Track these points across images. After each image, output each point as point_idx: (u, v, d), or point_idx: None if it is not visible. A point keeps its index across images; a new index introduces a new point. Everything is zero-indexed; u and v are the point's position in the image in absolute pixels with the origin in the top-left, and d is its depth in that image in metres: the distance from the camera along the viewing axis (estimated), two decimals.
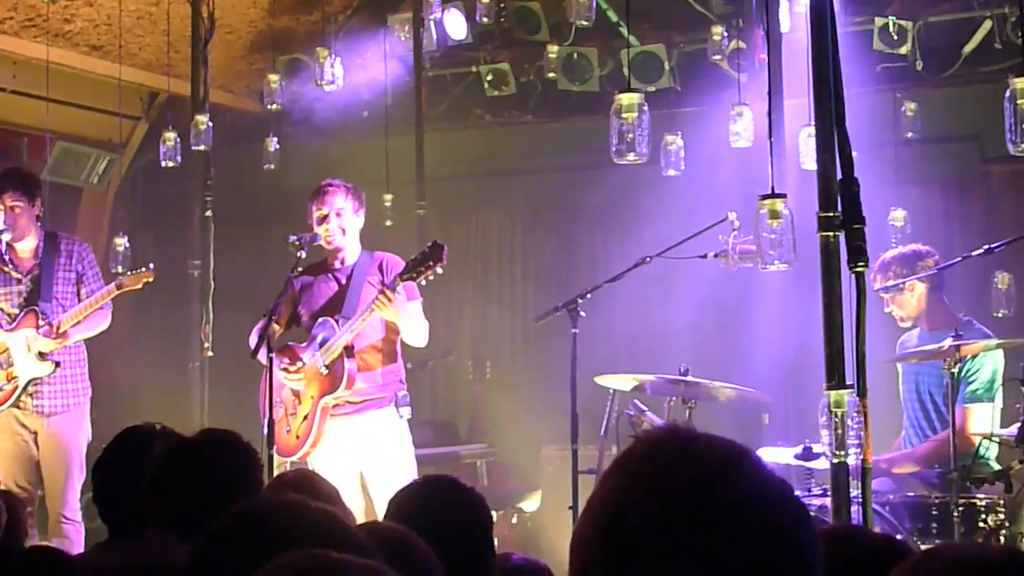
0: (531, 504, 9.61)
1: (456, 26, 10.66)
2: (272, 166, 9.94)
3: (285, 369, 6.85)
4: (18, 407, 7.43)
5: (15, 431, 7.45)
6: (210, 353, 9.04)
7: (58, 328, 7.43)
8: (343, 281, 6.98)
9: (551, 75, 10.61)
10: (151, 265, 7.62)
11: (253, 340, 6.77)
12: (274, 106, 9.43)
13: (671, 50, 10.15)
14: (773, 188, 4.67)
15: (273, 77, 9.27)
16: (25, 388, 7.43)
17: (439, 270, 6.54)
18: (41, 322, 7.44)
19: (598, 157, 9.83)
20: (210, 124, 8.81)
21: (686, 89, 10.13)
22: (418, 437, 7.29)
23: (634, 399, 6.85)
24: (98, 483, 4.00)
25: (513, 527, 9.05)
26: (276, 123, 10.79)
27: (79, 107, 11.08)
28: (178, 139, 8.80)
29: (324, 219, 6.93)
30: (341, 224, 6.93)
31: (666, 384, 6.75)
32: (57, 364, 7.46)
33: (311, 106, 11.06)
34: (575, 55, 10.52)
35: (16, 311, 7.49)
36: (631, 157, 5.13)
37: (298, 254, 6.78)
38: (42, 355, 7.44)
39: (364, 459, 6.83)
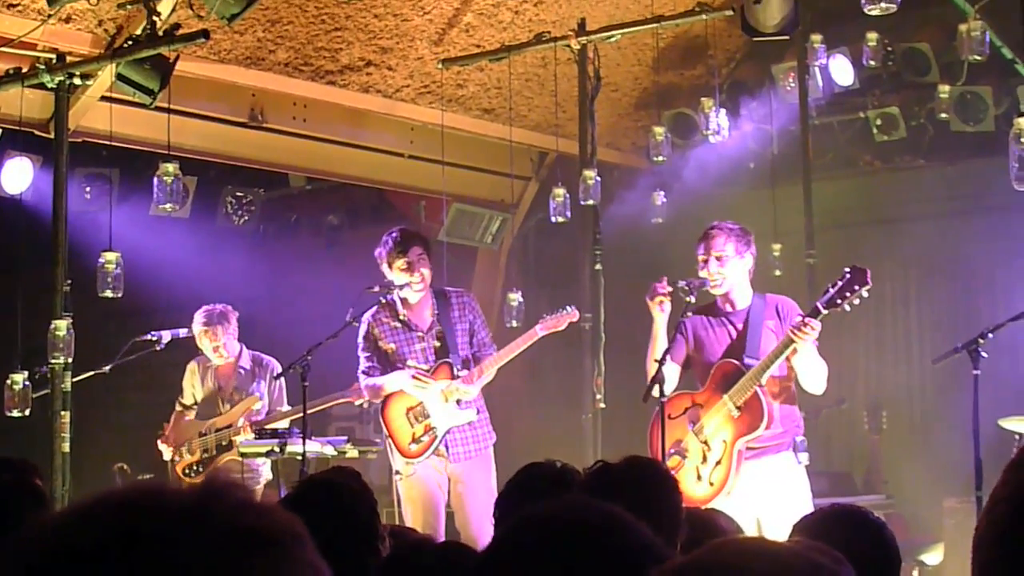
0: (933, 557, 9.25)
1: (842, 72, 10.49)
2: (659, 219, 10.01)
3: (670, 416, 6.83)
4: (436, 454, 7.76)
5: (430, 478, 7.78)
6: (602, 404, 9.13)
7: (479, 374, 7.80)
8: (739, 326, 6.92)
9: (943, 116, 10.28)
10: (571, 307, 7.84)
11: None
12: (660, 159, 9.49)
13: None
14: None
15: (659, 130, 9.32)
16: (443, 438, 7.77)
17: (865, 294, 6.45)
18: (457, 373, 7.79)
19: (996, 199, 9.56)
20: (598, 179, 8.94)
21: None
22: (813, 486, 7.12)
23: None
24: (499, 518, 4.11)
25: None
26: (662, 177, 10.86)
27: (472, 169, 11.50)
28: (567, 195, 8.98)
29: (706, 263, 6.92)
30: (722, 268, 6.89)
31: None
32: (478, 411, 7.85)
33: (697, 158, 11.09)
34: (968, 95, 10.17)
35: (425, 367, 7.83)
36: None
37: (687, 299, 6.80)
38: (459, 403, 7.77)
39: (762, 505, 6.69)
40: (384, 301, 7.88)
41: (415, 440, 7.77)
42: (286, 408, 8.85)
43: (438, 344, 7.89)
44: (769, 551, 1.21)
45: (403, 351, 7.86)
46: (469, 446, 7.82)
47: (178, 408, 9.09)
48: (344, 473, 4.30)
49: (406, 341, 7.88)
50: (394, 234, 7.90)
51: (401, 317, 7.90)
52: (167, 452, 8.91)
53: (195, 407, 9.01)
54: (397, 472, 7.87)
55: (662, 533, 2.22)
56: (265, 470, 8.85)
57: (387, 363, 7.89)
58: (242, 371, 8.92)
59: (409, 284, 7.82)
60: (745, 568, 1.17)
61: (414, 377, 7.77)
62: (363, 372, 7.92)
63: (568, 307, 7.94)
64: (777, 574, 1.17)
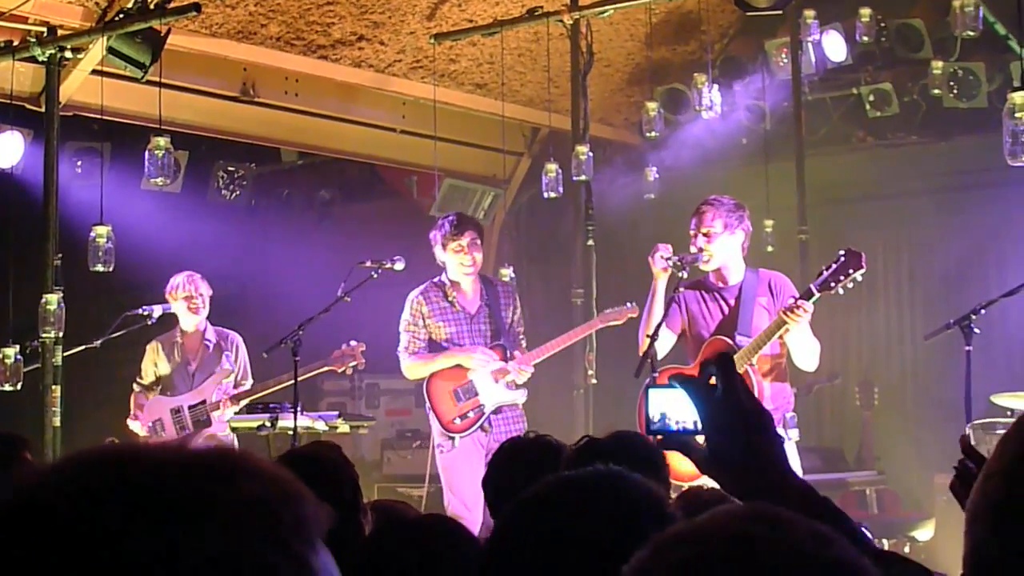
0: (924, 533, 9.27)
1: (835, 48, 10.48)
2: (652, 195, 10.00)
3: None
4: (482, 429, 7.89)
5: (474, 451, 7.86)
6: (594, 380, 9.14)
7: (535, 357, 7.96)
8: (732, 301, 6.93)
9: (936, 93, 10.27)
10: (632, 303, 7.88)
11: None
12: (652, 135, 9.47)
13: None
14: None
15: (651, 105, 9.30)
16: (488, 415, 7.90)
17: (859, 277, 6.46)
18: (509, 356, 7.92)
19: (989, 176, 9.56)
20: (590, 154, 8.93)
21: None
22: (805, 463, 7.13)
23: None
24: (491, 497, 4.11)
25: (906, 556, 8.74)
26: (655, 152, 10.84)
27: (465, 144, 11.47)
28: (559, 171, 8.96)
29: (696, 238, 6.92)
30: (710, 244, 6.88)
31: None
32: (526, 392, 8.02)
33: (690, 134, 11.07)
34: (961, 71, 10.15)
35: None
36: None
37: (680, 274, 6.80)
38: (507, 385, 7.92)
39: None
40: (434, 281, 8.05)
41: (462, 415, 7.89)
42: (250, 381, 8.81)
43: (487, 328, 8.04)
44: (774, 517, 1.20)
45: (456, 333, 7.99)
46: (511, 425, 7.92)
47: (136, 389, 8.96)
48: (326, 447, 4.32)
49: (456, 322, 8.00)
50: (451, 218, 8.07)
51: (450, 298, 8.00)
52: (140, 429, 8.83)
53: (155, 387, 8.90)
54: (439, 446, 7.96)
55: None
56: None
57: (432, 343, 8.01)
58: (208, 344, 8.86)
59: (460, 266, 7.92)
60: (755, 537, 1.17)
61: (483, 353, 7.90)
62: (404, 348, 8.01)
63: (629, 303, 7.97)
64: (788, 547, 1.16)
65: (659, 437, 2.07)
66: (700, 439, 1.97)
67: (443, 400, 7.93)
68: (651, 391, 2.00)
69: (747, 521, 1.18)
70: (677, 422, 1.98)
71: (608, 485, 2.03)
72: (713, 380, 1.94)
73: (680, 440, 1.99)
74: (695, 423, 1.95)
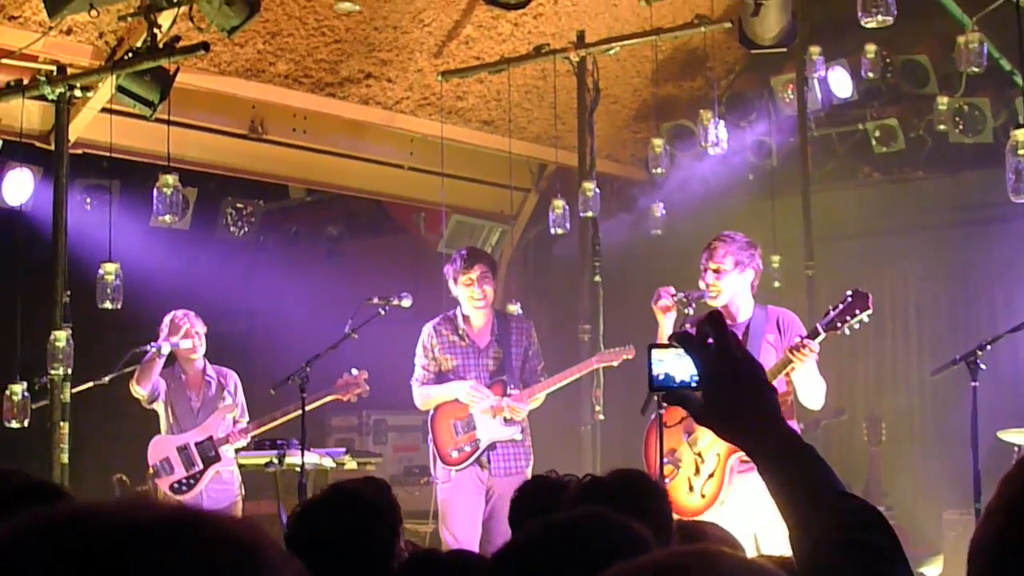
0: (933, 570, 9.25)
1: (841, 84, 10.51)
2: (659, 231, 10.02)
3: (666, 424, 6.83)
4: (479, 465, 7.95)
5: (472, 486, 7.94)
6: (601, 416, 9.14)
7: (530, 395, 8.00)
8: (739, 338, 6.90)
9: (941, 128, 10.30)
10: (630, 345, 7.91)
11: None
12: (659, 171, 9.50)
13: None
14: None
15: (657, 142, 9.34)
16: (484, 450, 7.94)
17: (865, 318, 6.46)
18: (509, 392, 7.97)
19: (995, 211, 9.57)
20: (597, 190, 8.98)
21: None
22: None
23: None
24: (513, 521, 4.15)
25: None
26: (662, 188, 10.88)
27: (472, 181, 11.52)
28: (566, 207, 9.00)
29: (705, 272, 6.93)
30: (718, 280, 6.88)
31: None
32: (522, 431, 8.04)
33: (696, 170, 11.11)
34: (966, 107, 10.18)
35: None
36: None
37: (686, 311, 6.81)
38: (505, 421, 7.94)
39: (759, 520, 6.64)
40: (448, 315, 8.16)
41: (457, 448, 7.96)
42: (247, 419, 8.76)
43: (493, 364, 8.10)
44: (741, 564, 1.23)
45: (460, 366, 8.08)
46: (511, 463, 7.99)
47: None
48: (372, 486, 4.10)
49: (463, 355, 8.09)
50: (463, 252, 8.20)
51: (460, 332, 8.09)
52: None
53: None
54: (436, 478, 8.05)
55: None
56: (236, 486, 8.73)
57: (441, 375, 8.11)
58: (210, 380, 8.84)
59: (471, 299, 8.00)
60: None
61: (473, 388, 7.95)
62: (416, 379, 8.14)
63: (627, 345, 8.02)
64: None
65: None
66: (700, 395, 2.06)
67: (444, 432, 8.02)
68: (653, 351, 2.10)
69: (683, 555, 1.22)
70: (680, 380, 2.06)
71: (590, 528, 2.15)
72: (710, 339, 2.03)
73: (680, 394, 2.07)
74: (694, 379, 2.03)
